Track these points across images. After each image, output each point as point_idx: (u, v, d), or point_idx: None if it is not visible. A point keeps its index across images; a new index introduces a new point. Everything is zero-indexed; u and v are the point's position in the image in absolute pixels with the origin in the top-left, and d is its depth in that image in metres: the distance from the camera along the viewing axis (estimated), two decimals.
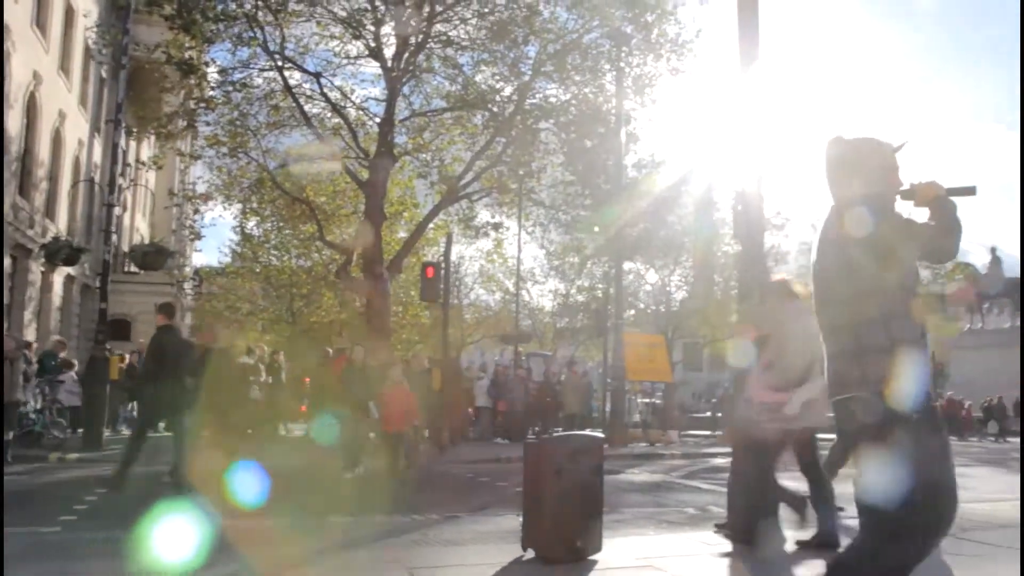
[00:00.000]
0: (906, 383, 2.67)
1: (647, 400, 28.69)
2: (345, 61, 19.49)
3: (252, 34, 17.27)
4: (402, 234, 26.88)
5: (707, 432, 23.52)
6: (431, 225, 24.13)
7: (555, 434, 5.47)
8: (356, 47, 19.11)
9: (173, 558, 4.58)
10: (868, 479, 2.71)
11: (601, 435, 5.53)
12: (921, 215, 2.89)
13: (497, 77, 19.61)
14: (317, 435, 11.85)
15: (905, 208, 2.93)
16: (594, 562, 4.93)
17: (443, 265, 15.59)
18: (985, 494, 9.82)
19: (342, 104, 19.74)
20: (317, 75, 18.70)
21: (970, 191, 2.98)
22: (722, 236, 28.24)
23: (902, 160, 3.01)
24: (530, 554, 5.06)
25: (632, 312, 32.15)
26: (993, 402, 31.18)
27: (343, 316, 32.95)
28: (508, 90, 19.66)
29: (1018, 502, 8.95)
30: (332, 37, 19.21)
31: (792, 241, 34.25)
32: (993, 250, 42.47)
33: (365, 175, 19.51)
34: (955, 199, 2.84)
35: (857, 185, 2.97)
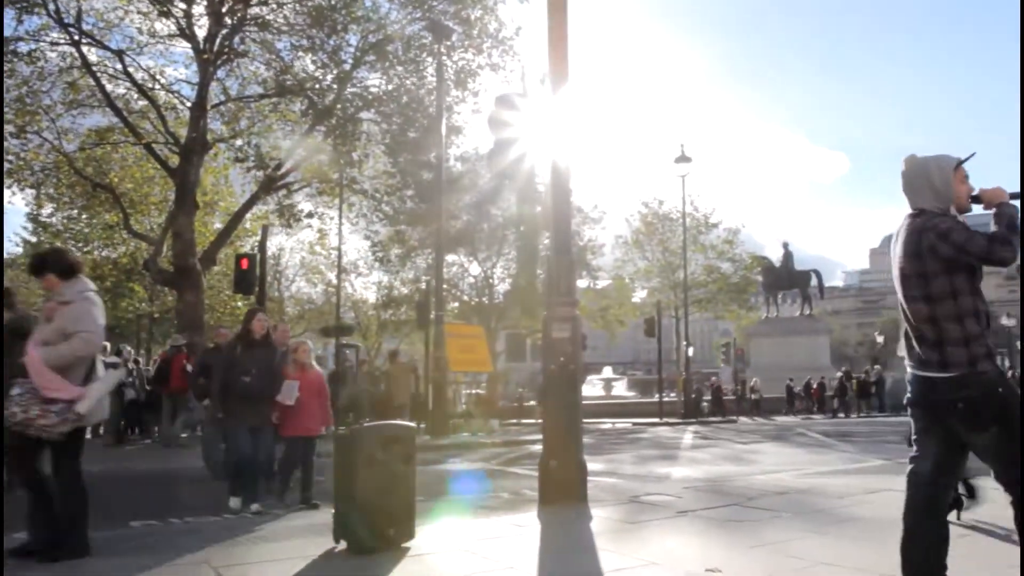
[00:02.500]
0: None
1: (470, 391, 29.11)
2: (152, 40, 18.35)
3: (40, 1, 15.88)
4: (217, 225, 25.70)
5: (530, 420, 24.17)
6: (248, 215, 23.24)
7: (366, 424, 5.46)
8: (165, 25, 18.03)
9: None
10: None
11: (413, 424, 5.57)
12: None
13: (317, 64, 19.17)
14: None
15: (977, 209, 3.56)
16: (407, 549, 4.99)
17: (259, 256, 15.01)
18: (769, 467, 10.77)
19: (149, 86, 18.60)
20: (120, 53, 17.50)
21: None
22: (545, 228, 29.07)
23: (970, 168, 3.58)
24: (342, 546, 5.04)
25: (456, 304, 32.48)
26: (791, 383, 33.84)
27: (152, 310, 31.09)
28: (328, 78, 19.28)
29: (797, 471, 9.91)
30: (138, 13, 18.04)
31: (608, 234, 35.86)
32: (785, 245, 46.32)
33: (176, 161, 18.49)
34: (1016, 202, 3.43)
35: (929, 198, 3.54)
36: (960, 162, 3.60)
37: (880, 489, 7.42)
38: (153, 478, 10.40)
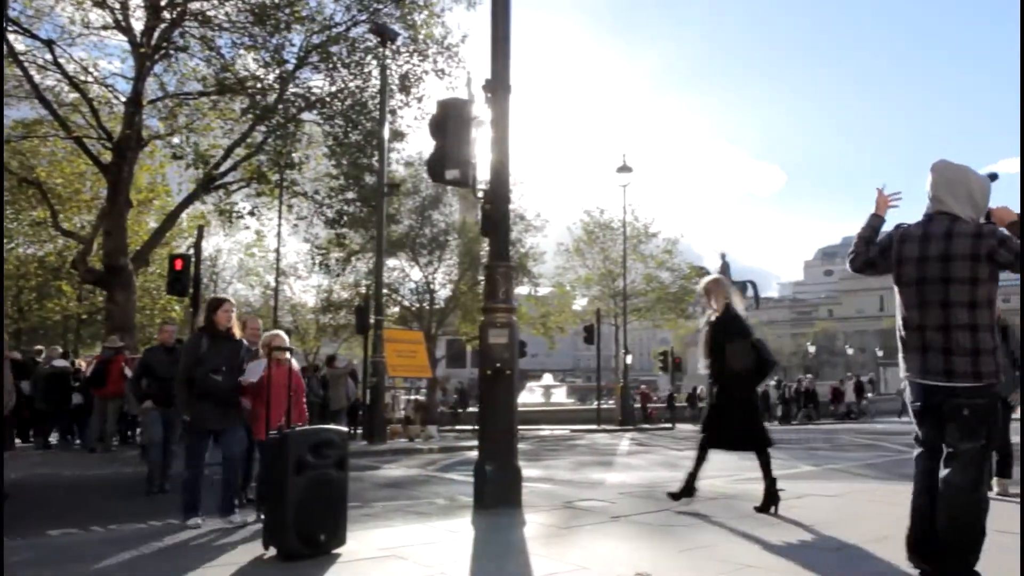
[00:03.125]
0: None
1: (409, 397, 28.95)
2: (86, 31, 17.84)
3: None
4: (152, 224, 25.06)
5: (469, 427, 24.13)
6: (185, 215, 22.75)
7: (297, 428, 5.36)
8: (100, 16, 17.55)
9: None
10: None
11: (344, 428, 5.51)
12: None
13: (259, 63, 18.87)
14: None
15: None
16: (337, 555, 4.92)
17: (194, 257, 14.69)
18: (703, 472, 10.91)
19: (81, 78, 18.07)
20: (50, 43, 16.97)
21: None
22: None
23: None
24: (272, 552, 4.96)
25: (396, 309, 32.24)
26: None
27: (81, 311, 30.15)
28: (271, 77, 18.99)
29: (729, 477, 10.09)
30: (71, 2, 17.52)
31: (550, 241, 36.06)
32: (723, 256, 47.26)
33: (109, 157, 17.99)
34: None
35: (966, 207, 3.66)
36: (991, 180, 3.82)
37: (808, 494, 7.61)
38: (78, 485, 10.06)
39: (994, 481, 7.22)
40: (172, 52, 17.98)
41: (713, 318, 6.67)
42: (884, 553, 4.75)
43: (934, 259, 3.65)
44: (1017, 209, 3.73)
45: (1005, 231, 3.60)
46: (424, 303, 32.51)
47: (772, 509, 6.37)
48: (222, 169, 19.61)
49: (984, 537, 3.55)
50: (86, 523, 6.56)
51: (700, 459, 6.82)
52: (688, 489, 6.82)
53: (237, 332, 6.73)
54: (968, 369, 3.54)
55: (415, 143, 58.36)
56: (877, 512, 6.37)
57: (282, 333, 7.43)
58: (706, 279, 7.05)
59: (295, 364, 7.20)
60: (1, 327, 7.60)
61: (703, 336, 6.74)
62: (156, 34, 17.17)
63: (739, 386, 6.53)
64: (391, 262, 31.82)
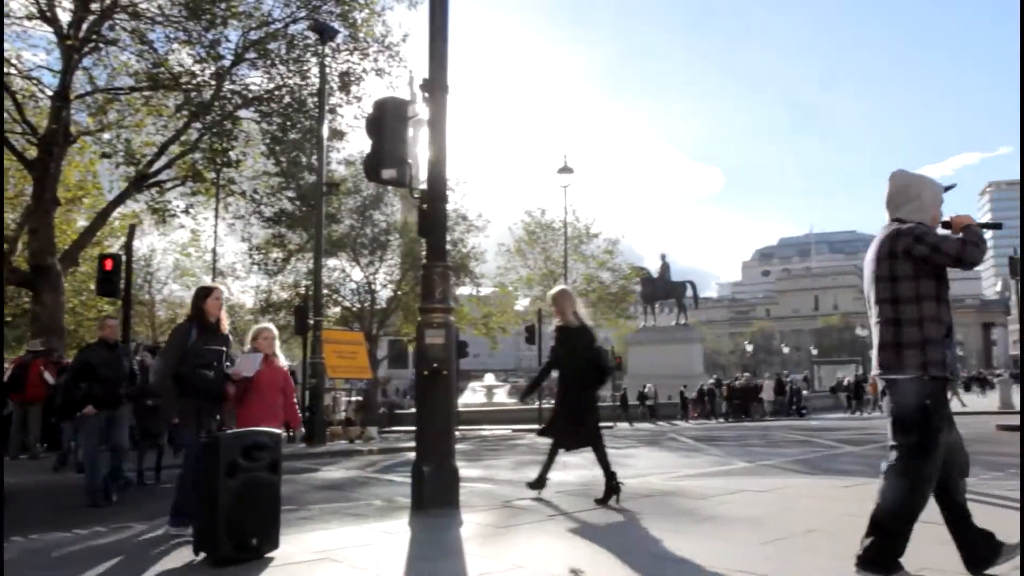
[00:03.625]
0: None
1: (350, 399, 28.64)
2: (7, 20, 17.18)
3: None
4: (82, 223, 24.31)
5: (410, 428, 23.99)
6: (116, 214, 22.13)
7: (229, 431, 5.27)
8: (23, 5, 16.94)
9: None
10: None
11: (278, 431, 5.43)
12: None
13: (194, 58, 18.46)
14: None
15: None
16: (270, 559, 4.85)
17: (125, 257, 14.29)
18: (640, 470, 11.08)
19: (3, 70, 17.41)
20: None
21: (997, 226, 4.17)
22: None
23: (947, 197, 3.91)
24: (203, 557, 4.86)
25: (337, 309, 31.90)
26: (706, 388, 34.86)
27: (5, 313, 29.07)
28: (206, 74, 18.60)
29: (666, 474, 10.24)
30: None
31: (491, 241, 36.09)
32: (663, 257, 47.92)
33: (34, 153, 17.39)
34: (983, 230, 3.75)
35: (914, 213, 3.80)
36: (945, 189, 3.95)
37: (741, 490, 7.77)
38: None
39: None
40: (102, 45, 17.48)
41: (560, 325, 7.25)
42: (811, 546, 4.89)
43: (870, 262, 3.87)
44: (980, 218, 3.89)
45: (926, 228, 3.74)
46: (365, 303, 32.22)
47: (613, 500, 6.78)
48: (156, 167, 19.13)
49: (908, 530, 3.67)
50: (6, 533, 6.32)
51: (552, 456, 7.38)
52: (540, 480, 7.39)
53: (225, 324, 6.26)
54: (893, 362, 3.69)
55: (356, 142, 57.92)
56: (806, 507, 6.54)
57: (271, 327, 6.76)
58: (553, 290, 7.58)
59: (284, 361, 6.76)
60: (2, 335, 7.38)
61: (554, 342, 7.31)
62: (84, 26, 16.65)
63: (582, 388, 7.15)
64: (331, 262, 31.46)
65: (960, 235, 3.69)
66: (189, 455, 6.02)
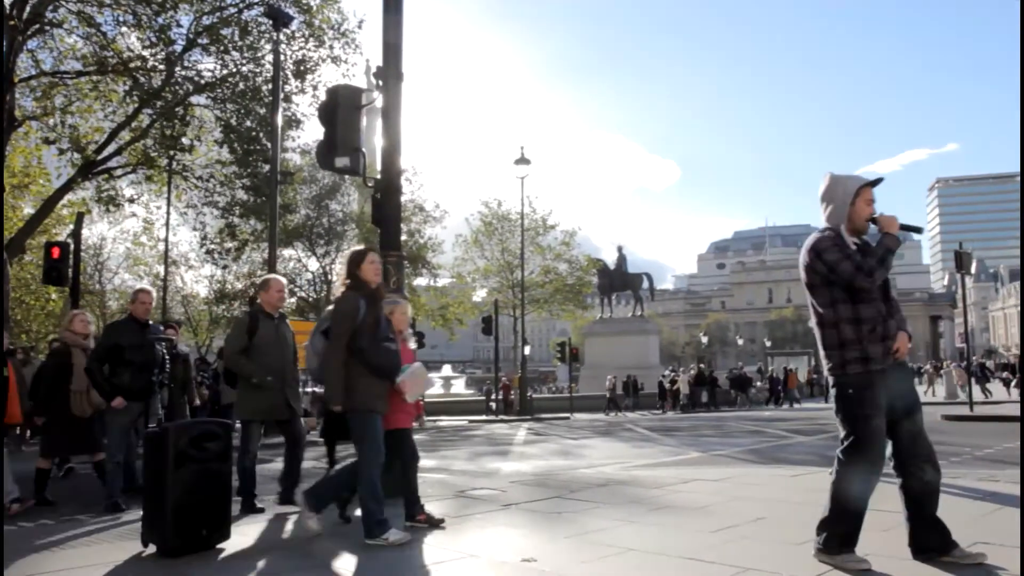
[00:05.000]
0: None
1: (306, 389, 28.34)
2: None
3: None
4: (28, 210, 23.65)
5: None
6: (64, 201, 21.57)
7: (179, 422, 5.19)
8: None
9: None
10: None
11: (228, 421, 5.36)
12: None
13: (144, 43, 18.04)
14: None
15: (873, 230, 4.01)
16: (220, 550, 4.80)
17: (73, 245, 13.96)
18: (595, 460, 11.19)
19: None
20: None
21: (918, 229, 4.25)
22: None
23: (878, 192, 3.98)
24: (152, 549, 4.79)
25: (293, 300, 31.59)
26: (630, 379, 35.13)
27: None
28: (157, 59, 18.19)
29: (620, 464, 10.35)
30: None
31: (449, 232, 35.97)
32: (620, 248, 48.27)
33: None
34: (905, 232, 4.01)
35: (829, 215, 3.97)
36: (866, 184, 3.99)
37: (693, 479, 7.88)
38: None
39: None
40: (47, 27, 16.98)
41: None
42: (761, 533, 4.98)
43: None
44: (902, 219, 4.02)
45: (828, 244, 3.92)
46: (321, 294, 31.94)
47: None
48: (105, 154, 18.69)
49: (854, 516, 3.86)
50: None
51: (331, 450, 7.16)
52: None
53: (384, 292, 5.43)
54: (826, 362, 4.00)
55: (311, 131, 57.25)
56: (756, 495, 6.65)
57: (405, 303, 5.88)
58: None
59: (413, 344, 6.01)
60: (2, 330, 6.96)
61: None
62: (28, 7, 16.16)
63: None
64: (287, 252, 31.14)
65: (871, 251, 3.90)
66: (372, 448, 5.03)
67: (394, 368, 5.09)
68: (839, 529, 3.89)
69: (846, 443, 3.90)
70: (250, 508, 6.43)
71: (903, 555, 3.93)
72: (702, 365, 46.98)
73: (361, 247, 5.43)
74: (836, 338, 3.91)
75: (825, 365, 4.04)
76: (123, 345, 6.94)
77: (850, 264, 3.82)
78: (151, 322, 7.47)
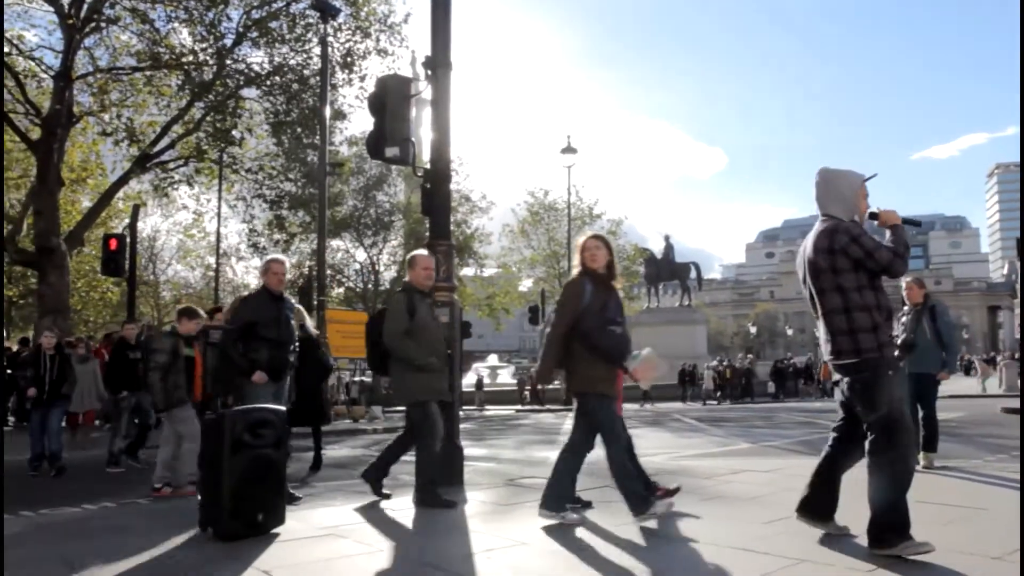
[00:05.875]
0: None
1: (354, 378, 28.74)
2: (8, 1, 17.13)
3: None
4: (87, 203, 24.33)
5: None
6: (120, 195, 22.14)
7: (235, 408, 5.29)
8: None
9: None
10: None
11: (284, 408, 5.43)
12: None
13: (195, 38, 18.38)
14: None
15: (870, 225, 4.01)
16: (276, 535, 4.89)
17: (129, 237, 14.29)
18: (644, 450, 11.09)
19: (6, 51, 17.36)
20: None
21: (917, 223, 4.12)
22: None
23: (871, 187, 4.01)
24: (209, 533, 4.89)
25: (341, 290, 31.96)
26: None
27: (12, 294, 29.17)
28: (208, 52, 18.52)
29: (669, 454, 10.28)
30: None
31: (495, 223, 36.02)
32: (667, 238, 47.79)
33: (37, 134, 17.37)
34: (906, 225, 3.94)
35: (838, 208, 3.95)
36: (864, 180, 4.06)
37: (743, 470, 7.79)
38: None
39: (920, 455, 7.50)
40: (103, 24, 17.40)
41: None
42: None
43: (808, 255, 4.07)
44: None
45: (861, 230, 3.92)
46: (369, 284, 32.28)
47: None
48: (159, 147, 19.11)
49: (904, 503, 3.78)
50: (15, 508, 6.38)
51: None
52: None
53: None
54: (848, 347, 3.92)
55: (358, 123, 57.77)
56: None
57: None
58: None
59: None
60: (1, 323, 7.15)
61: None
62: (85, 5, 16.57)
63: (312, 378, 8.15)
64: (335, 243, 31.49)
65: (890, 241, 3.91)
66: (609, 431, 5.12)
67: (621, 352, 5.11)
68: (892, 520, 3.79)
69: (877, 431, 3.84)
70: (437, 500, 5.91)
71: (969, 550, 3.83)
72: (750, 355, 46.41)
73: (588, 234, 5.52)
74: (870, 321, 3.87)
75: (828, 350, 4.01)
76: (257, 321, 6.28)
77: (888, 251, 3.84)
78: (285, 295, 6.79)
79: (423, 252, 6.25)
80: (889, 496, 3.79)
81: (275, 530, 4.96)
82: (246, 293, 7.67)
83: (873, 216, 4.02)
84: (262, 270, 6.71)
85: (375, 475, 6.35)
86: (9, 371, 14.30)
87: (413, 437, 6.19)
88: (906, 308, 7.97)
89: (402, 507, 5.97)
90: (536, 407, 27.64)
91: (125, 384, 9.82)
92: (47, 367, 9.34)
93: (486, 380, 45.72)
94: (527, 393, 29.91)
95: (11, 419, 15.55)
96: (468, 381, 41.00)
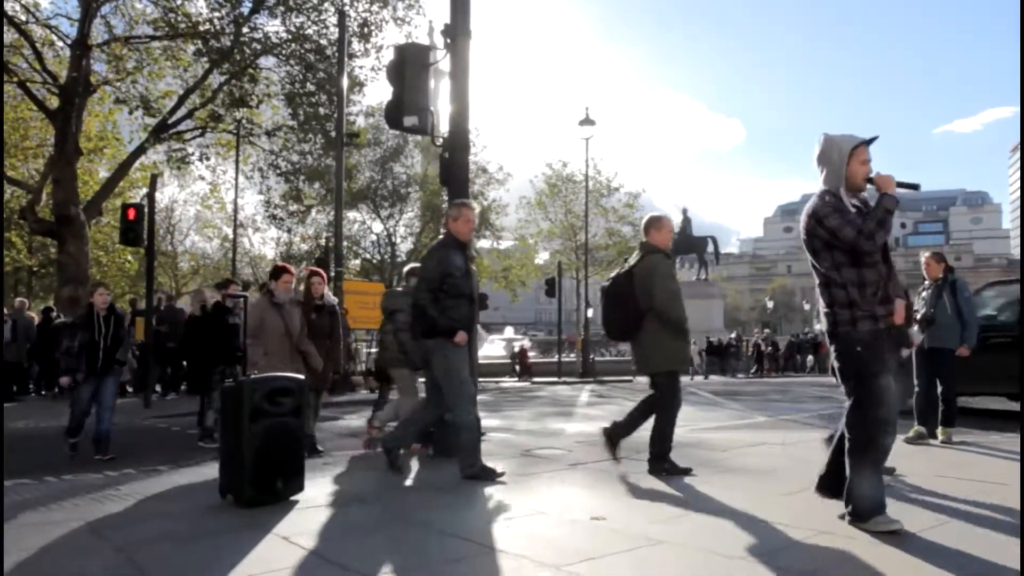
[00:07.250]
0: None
1: (371, 349, 28.80)
2: None
3: None
4: (104, 173, 24.43)
5: None
6: (138, 164, 22.19)
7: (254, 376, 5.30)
8: None
9: None
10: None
11: (302, 376, 5.45)
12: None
13: (211, 6, 18.29)
14: None
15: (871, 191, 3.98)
16: (295, 502, 4.92)
17: (147, 206, 14.32)
18: None
19: (22, 18, 17.34)
20: None
21: (915, 187, 4.03)
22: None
23: (873, 151, 3.93)
24: (229, 500, 4.93)
25: (357, 261, 32.02)
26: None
27: (32, 263, 29.45)
28: (225, 20, 18.43)
29: (686, 427, 10.26)
30: None
31: (513, 195, 35.88)
32: (685, 211, 47.52)
33: (55, 103, 17.41)
34: (901, 189, 3.91)
35: (826, 176, 3.95)
36: (860, 143, 3.94)
37: (761, 443, 7.77)
38: (28, 436, 9.91)
39: (939, 430, 7.45)
40: None
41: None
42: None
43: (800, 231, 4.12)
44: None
45: (829, 210, 3.89)
46: (385, 256, 32.32)
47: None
48: (176, 117, 19.10)
49: (877, 479, 3.88)
50: (39, 473, 6.46)
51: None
52: None
53: None
54: (828, 322, 4.01)
55: (375, 94, 57.50)
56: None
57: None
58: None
59: None
60: (1, 305, 7.14)
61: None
62: None
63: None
64: (352, 214, 31.50)
65: (869, 213, 3.89)
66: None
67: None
68: (864, 494, 3.87)
69: (853, 406, 3.91)
70: (675, 468, 5.89)
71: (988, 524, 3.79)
72: (767, 330, 46.22)
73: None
74: (846, 297, 3.91)
75: (825, 325, 4.06)
76: (452, 273, 5.63)
77: (852, 229, 3.82)
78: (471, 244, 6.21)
79: (468, 202, 6.01)
80: (860, 471, 3.87)
81: (294, 497, 5.00)
82: (435, 242, 6.14)
83: (870, 181, 3.98)
84: (452, 216, 5.88)
85: (618, 432, 6.26)
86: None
87: (655, 405, 6.04)
88: (926, 283, 7.88)
89: (421, 477, 6.00)
90: (555, 380, 27.66)
91: (222, 356, 8.72)
92: (101, 331, 7.85)
93: (502, 352, 45.82)
94: (517, 367, 30.00)
95: (32, 388, 15.75)
96: (484, 352, 41.09)
